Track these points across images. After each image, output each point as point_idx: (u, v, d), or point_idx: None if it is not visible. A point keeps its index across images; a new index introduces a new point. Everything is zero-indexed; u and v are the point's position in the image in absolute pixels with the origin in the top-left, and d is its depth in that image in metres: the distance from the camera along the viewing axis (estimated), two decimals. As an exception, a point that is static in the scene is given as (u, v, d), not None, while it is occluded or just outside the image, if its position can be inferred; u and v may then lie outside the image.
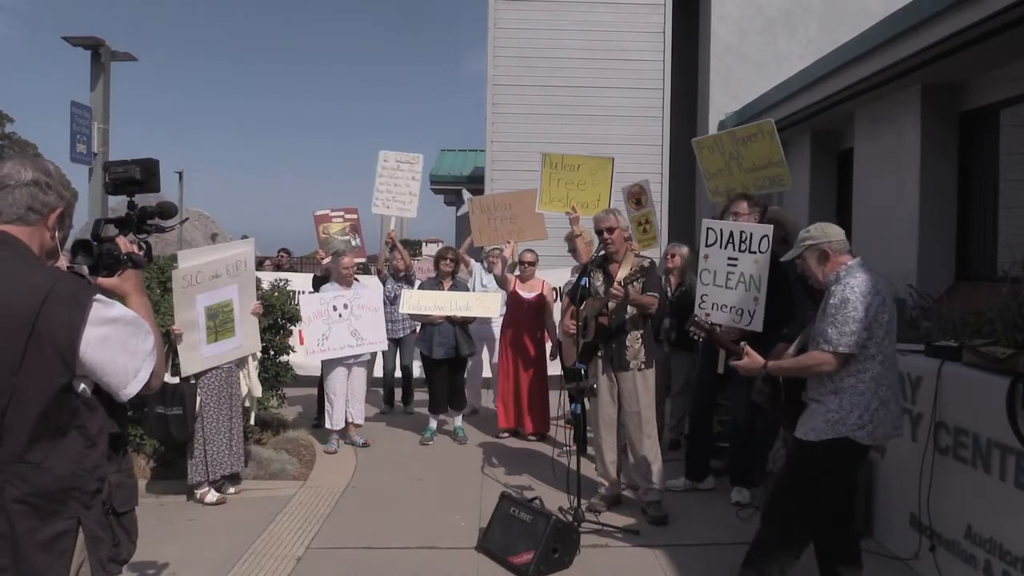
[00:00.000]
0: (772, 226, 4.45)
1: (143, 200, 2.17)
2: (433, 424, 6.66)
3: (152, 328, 1.87)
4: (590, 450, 5.09)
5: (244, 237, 6.62)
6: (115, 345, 1.74)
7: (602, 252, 4.70)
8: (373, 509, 4.85)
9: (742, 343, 3.59)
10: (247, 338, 5.08)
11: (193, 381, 4.82)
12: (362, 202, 8.32)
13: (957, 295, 5.98)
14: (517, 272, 6.68)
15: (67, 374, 1.67)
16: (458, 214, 9.17)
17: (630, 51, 10.33)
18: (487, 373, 7.55)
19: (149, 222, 2.13)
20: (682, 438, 6.14)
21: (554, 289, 6.87)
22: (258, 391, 5.36)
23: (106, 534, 1.80)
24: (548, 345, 6.70)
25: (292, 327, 6.21)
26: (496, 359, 6.98)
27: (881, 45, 6.14)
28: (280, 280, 6.52)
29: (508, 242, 6.52)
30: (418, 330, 6.86)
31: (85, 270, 1.92)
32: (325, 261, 7.09)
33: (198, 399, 4.79)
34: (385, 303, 6.72)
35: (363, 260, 8.68)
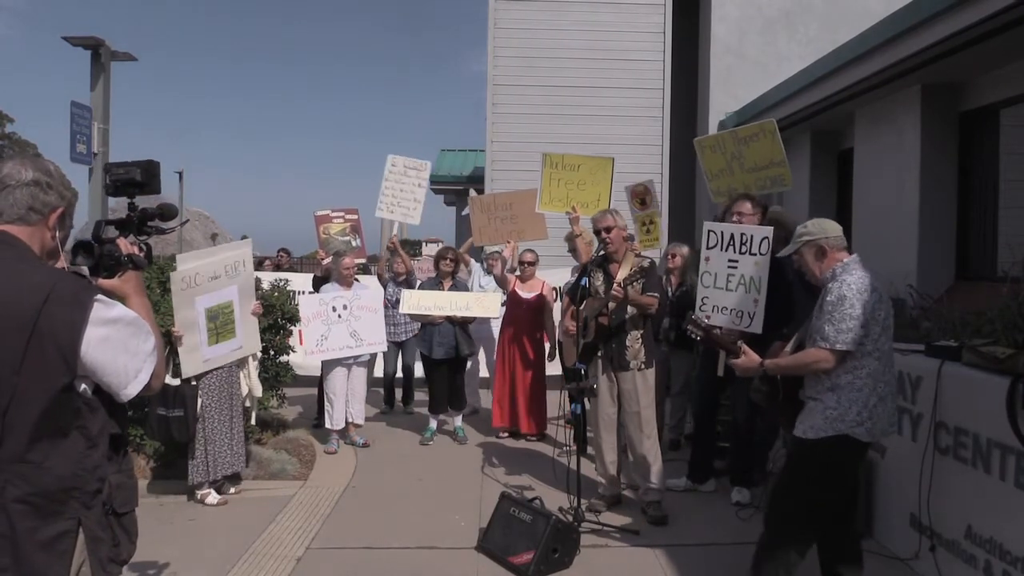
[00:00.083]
0: (772, 228, 4.45)
1: (143, 202, 2.17)
2: (433, 424, 6.66)
3: (153, 329, 1.87)
4: (590, 450, 5.09)
5: (244, 237, 6.61)
6: (116, 345, 1.74)
7: (602, 252, 4.70)
8: (373, 509, 4.85)
9: (739, 342, 3.59)
10: (247, 339, 5.08)
11: (194, 382, 4.82)
12: (362, 202, 8.34)
13: (957, 295, 5.98)
14: (517, 272, 6.67)
15: (68, 374, 1.67)
16: (463, 213, 9.16)
17: (630, 51, 10.33)
18: (484, 373, 7.55)
19: (150, 224, 2.13)
20: (682, 438, 6.14)
21: (554, 289, 6.87)
22: (258, 391, 5.36)
23: (106, 534, 1.80)
24: (547, 345, 6.69)
25: (292, 327, 6.21)
26: (494, 359, 6.98)
27: (881, 45, 6.14)
28: (280, 280, 6.52)
29: (508, 242, 6.52)
30: (418, 330, 6.86)
31: (85, 271, 1.92)
32: (325, 261, 7.09)
33: (199, 401, 4.79)
34: (387, 306, 6.72)
35: (363, 261, 8.69)
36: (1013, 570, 3.07)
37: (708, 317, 4.59)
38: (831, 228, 3.28)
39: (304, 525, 4.53)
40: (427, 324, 6.55)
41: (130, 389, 1.78)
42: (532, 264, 6.63)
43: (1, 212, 1.78)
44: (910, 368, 3.84)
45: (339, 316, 6.18)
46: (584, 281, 4.56)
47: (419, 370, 7.35)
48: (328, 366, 6.27)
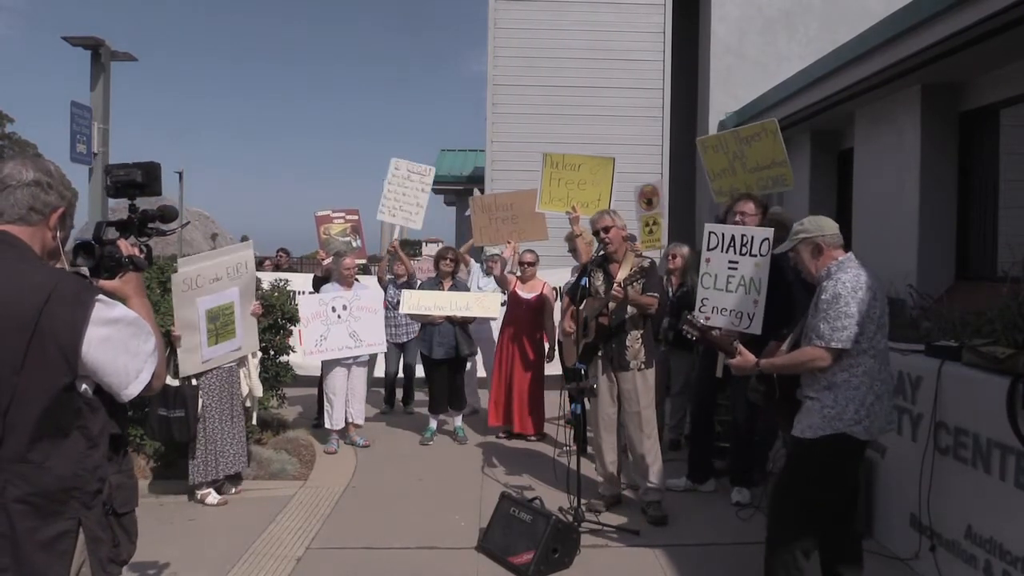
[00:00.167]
0: (773, 229, 4.45)
1: (144, 203, 2.18)
2: (433, 424, 6.66)
3: (153, 330, 1.87)
4: (590, 450, 5.09)
5: (244, 238, 6.62)
6: (117, 346, 1.74)
7: (601, 252, 4.70)
8: (373, 509, 4.85)
9: (735, 342, 3.60)
10: (246, 339, 5.08)
11: (195, 382, 4.82)
12: (362, 202, 8.35)
13: (957, 295, 5.98)
14: (518, 273, 6.67)
15: (69, 374, 1.67)
16: (466, 214, 9.15)
17: (630, 51, 10.33)
18: (481, 373, 7.55)
19: (150, 225, 2.14)
20: (682, 438, 6.14)
21: (554, 289, 6.87)
22: (259, 391, 5.36)
23: (106, 535, 1.80)
24: (547, 346, 6.69)
25: (292, 327, 6.21)
26: (492, 360, 6.98)
27: (881, 45, 6.14)
28: (280, 280, 6.52)
29: (509, 242, 6.51)
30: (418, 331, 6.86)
31: (86, 272, 1.92)
32: (326, 262, 7.10)
33: (200, 401, 4.79)
34: (387, 308, 6.71)
35: (363, 261, 8.68)
36: (1013, 570, 3.07)
37: (708, 318, 4.59)
38: (828, 226, 3.28)
39: (304, 525, 4.53)
40: (427, 324, 6.55)
41: (131, 389, 1.78)
42: (532, 264, 6.63)
43: (2, 212, 1.78)
44: (910, 368, 3.84)
45: (338, 316, 6.18)
46: (584, 281, 4.56)
47: (419, 370, 7.36)
48: (328, 366, 6.27)
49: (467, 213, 9.12)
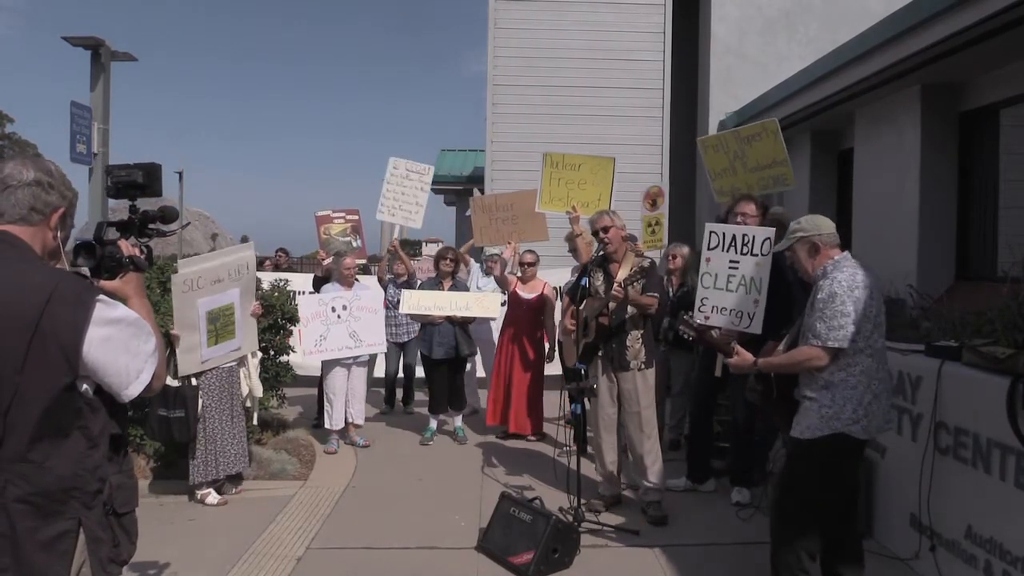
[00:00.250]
0: (774, 229, 4.45)
1: (144, 204, 2.18)
2: (433, 424, 6.67)
3: (154, 330, 1.87)
4: (590, 450, 5.09)
5: (244, 238, 6.64)
6: (117, 346, 1.75)
7: (601, 252, 4.70)
8: (373, 509, 4.85)
9: (732, 343, 3.60)
10: (246, 339, 5.08)
11: (195, 383, 4.82)
12: (362, 203, 8.34)
13: (957, 295, 5.98)
14: (518, 273, 6.68)
15: (70, 374, 1.67)
16: (466, 214, 9.16)
17: (630, 51, 10.33)
18: (481, 373, 7.55)
19: (151, 226, 2.15)
20: (682, 438, 6.14)
21: (555, 289, 6.87)
22: (259, 391, 5.36)
23: (106, 535, 1.80)
24: (547, 346, 6.69)
25: (292, 327, 6.21)
26: (492, 360, 6.98)
27: (881, 45, 6.14)
28: (280, 280, 6.52)
29: (509, 243, 6.51)
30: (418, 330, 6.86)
31: (86, 272, 1.93)
32: (326, 262, 7.10)
33: (200, 401, 4.79)
34: (387, 307, 6.71)
35: (363, 261, 8.68)
36: (1013, 570, 3.07)
37: (707, 318, 4.59)
38: (824, 225, 3.28)
39: (304, 525, 4.53)
40: (427, 324, 6.55)
41: (131, 390, 1.78)
42: (532, 265, 6.63)
43: (3, 212, 1.78)
44: (910, 368, 3.84)
45: (338, 316, 6.18)
46: (584, 281, 4.56)
47: (419, 370, 7.36)
48: (328, 366, 6.27)
49: (467, 213, 9.12)
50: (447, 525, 4.53)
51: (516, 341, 6.51)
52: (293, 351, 6.32)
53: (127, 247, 2.01)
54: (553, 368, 6.64)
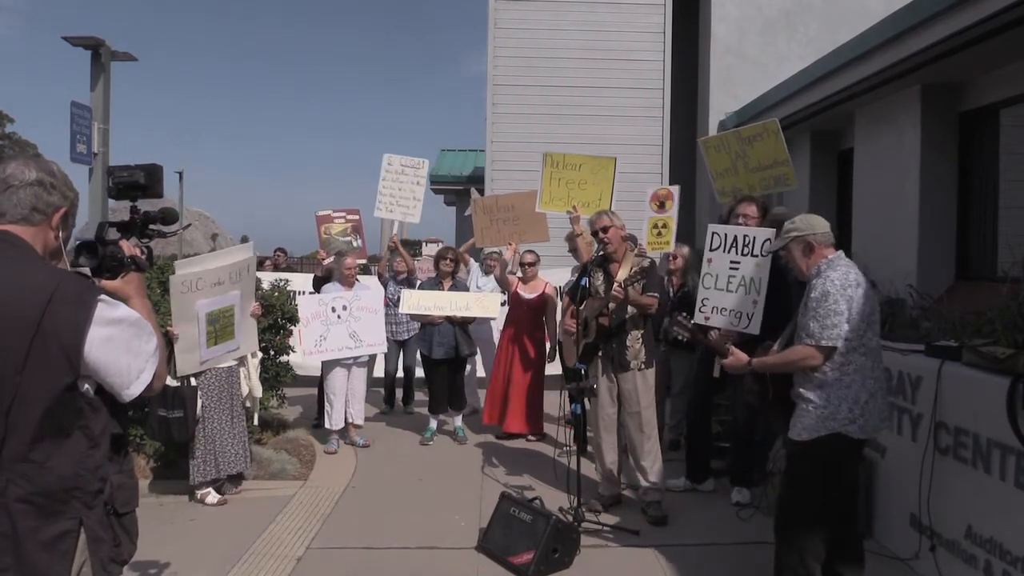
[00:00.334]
0: (774, 230, 4.45)
1: (145, 205, 2.19)
2: (433, 424, 6.67)
3: (155, 330, 1.87)
4: (590, 450, 5.09)
5: (244, 238, 6.64)
6: (119, 346, 1.75)
7: (601, 252, 4.70)
8: (373, 509, 4.85)
9: (728, 343, 3.60)
10: (245, 339, 5.08)
11: (194, 383, 4.82)
12: (362, 202, 8.32)
13: (957, 295, 5.98)
14: (519, 274, 6.68)
15: (72, 373, 1.67)
16: (466, 214, 9.17)
17: (630, 51, 10.33)
18: (481, 373, 7.55)
19: (152, 227, 2.15)
20: (682, 438, 6.14)
21: (556, 288, 6.87)
22: (259, 391, 5.36)
23: (107, 534, 1.80)
24: (548, 345, 6.69)
25: (292, 327, 6.21)
26: (492, 360, 6.98)
27: (881, 45, 6.14)
28: (280, 280, 6.52)
29: (510, 244, 6.51)
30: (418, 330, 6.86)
31: (87, 272, 1.93)
32: (327, 261, 7.10)
33: (199, 402, 4.79)
34: (388, 305, 6.72)
35: (364, 261, 8.69)
36: (1013, 570, 3.07)
37: (707, 318, 4.60)
38: (819, 224, 3.28)
39: (304, 525, 4.53)
40: (427, 324, 6.55)
41: (132, 389, 1.78)
42: (533, 265, 6.63)
43: (4, 212, 1.78)
44: (910, 368, 3.84)
45: (338, 317, 6.18)
46: (584, 281, 4.56)
47: (419, 370, 7.35)
48: (328, 366, 6.27)
49: (467, 212, 9.13)
50: (447, 525, 4.53)
51: (517, 341, 6.51)
52: (293, 351, 6.32)
53: (128, 247, 2.02)
54: (553, 368, 6.64)
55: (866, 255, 6.84)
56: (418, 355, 7.03)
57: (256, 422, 5.56)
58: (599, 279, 4.70)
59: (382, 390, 7.84)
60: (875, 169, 7.29)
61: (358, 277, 6.69)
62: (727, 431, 5.40)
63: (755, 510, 4.58)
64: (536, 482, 5.32)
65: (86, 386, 1.73)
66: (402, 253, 7.22)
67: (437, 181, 15.35)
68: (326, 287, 6.51)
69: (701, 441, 5.20)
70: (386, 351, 6.88)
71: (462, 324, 6.52)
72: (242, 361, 5.16)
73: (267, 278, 6.64)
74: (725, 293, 4.55)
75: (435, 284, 6.65)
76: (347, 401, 6.27)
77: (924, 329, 4.70)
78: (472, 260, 7.67)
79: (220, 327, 4.80)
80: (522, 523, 4.01)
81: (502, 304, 6.82)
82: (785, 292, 4.52)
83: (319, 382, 6.79)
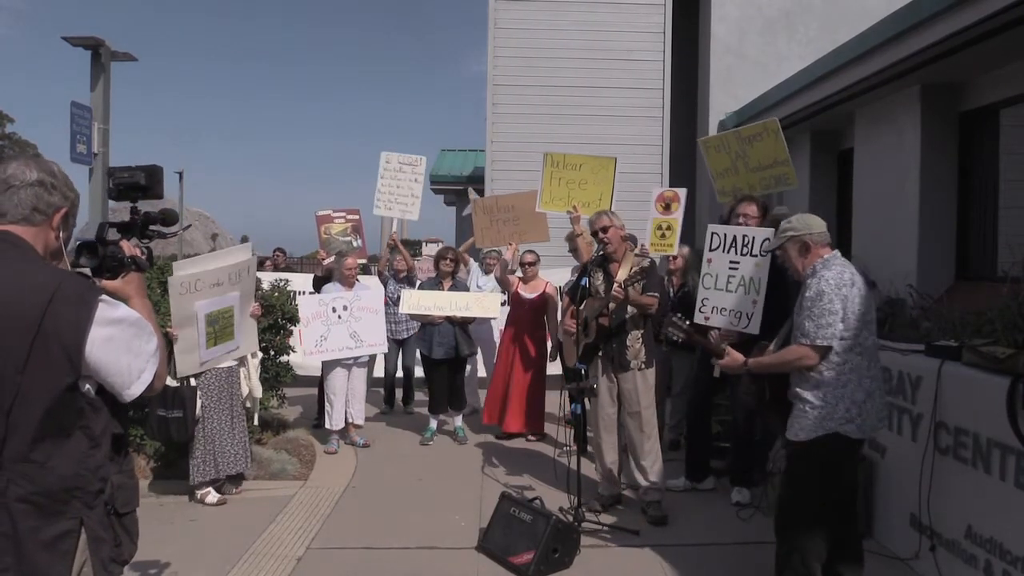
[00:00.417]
0: (773, 230, 4.45)
1: (145, 206, 2.20)
2: (433, 424, 6.67)
3: (155, 330, 1.88)
4: (590, 450, 5.09)
5: (244, 238, 6.64)
6: (120, 346, 1.75)
7: (601, 252, 4.70)
8: (373, 509, 4.85)
9: (725, 344, 3.60)
10: (245, 340, 5.08)
11: (193, 383, 4.82)
12: (362, 202, 8.33)
13: (957, 295, 5.98)
14: (519, 274, 6.68)
15: (73, 373, 1.67)
16: (463, 214, 9.20)
17: (630, 51, 10.33)
18: (482, 373, 7.55)
19: (152, 228, 2.16)
20: (682, 438, 6.14)
21: (556, 288, 6.87)
22: (259, 392, 5.36)
23: (108, 534, 1.81)
24: (550, 345, 6.69)
25: (292, 327, 6.21)
26: (494, 359, 6.98)
27: (881, 45, 6.14)
28: (280, 280, 6.52)
29: (510, 244, 6.51)
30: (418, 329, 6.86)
31: (88, 272, 1.93)
32: (327, 261, 7.10)
33: (199, 402, 4.79)
34: (388, 304, 6.72)
35: (364, 260, 8.69)
36: (1013, 570, 3.07)
37: (707, 318, 4.61)
38: (815, 224, 3.28)
39: (304, 525, 4.53)
40: (427, 324, 6.55)
41: (133, 389, 1.79)
42: (533, 264, 6.64)
43: (5, 212, 1.78)
44: (910, 368, 3.84)
45: (339, 317, 6.18)
46: (584, 281, 4.56)
47: (419, 370, 7.36)
48: (328, 366, 6.27)
49: (465, 213, 9.14)
50: (447, 525, 4.53)
51: (518, 341, 6.52)
52: (293, 351, 6.32)
53: (128, 247, 2.02)
54: (553, 368, 6.65)
55: (866, 255, 6.84)
56: (418, 355, 7.03)
57: (256, 422, 5.56)
58: (599, 279, 4.70)
59: (382, 390, 7.84)
60: (875, 169, 7.28)
61: (358, 277, 6.70)
62: (727, 431, 5.39)
63: (755, 510, 4.58)
64: (536, 482, 5.32)
65: (87, 386, 1.73)
66: (402, 251, 7.22)
67: (437, 181, 15.35)
68: (326, 287, 6.51)
69: (701, 441, 5.21)
70: (387, 351, 6.89)
71: (462, 324, 6.52)
72: (242, 361, 5.16)
73: (267, 278, 6.65)
74: (725, 293, 4.56)
75: (435, 284, 6.65)
76: (347, 401, 6.27)
77: (924, 329, 4.70)
78: (472, 260, 7.67)
79: (219, 328, 4.79)
80: (522, 523, 4.01)
81: (503, 304, 6.82)
82: (784, 291, 4.52)
83: (319, 382, 6.79)
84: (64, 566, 1.70)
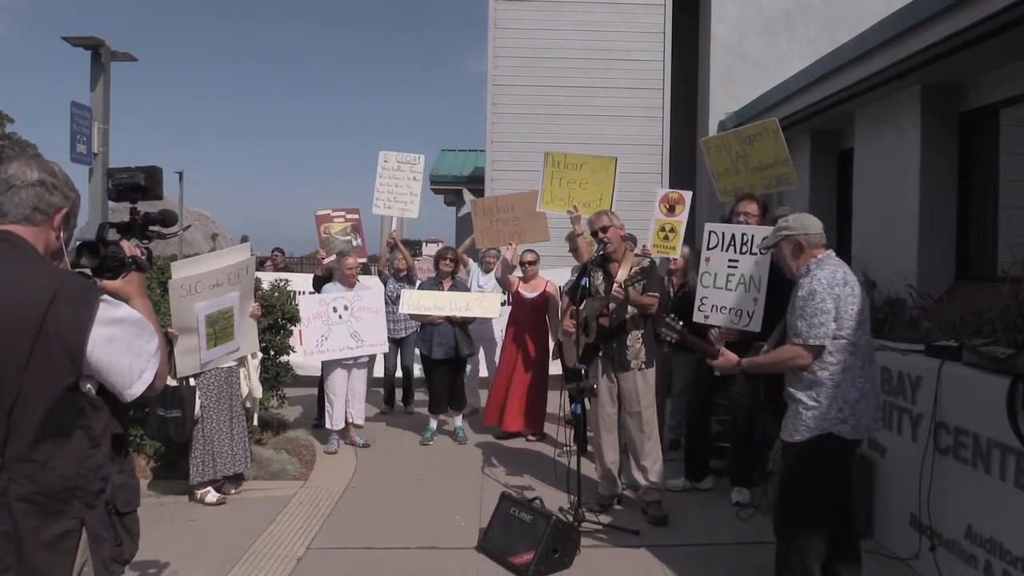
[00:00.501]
0: (773, 228, 4.45)
1: (145, 206, 2.20)
2: (433, 424, 6.67)
3: (156, 329, 1.88)
4: (590, 450, 5.09)
5: (244, 238, 6.64)
6: (121, 345, 1.75)
7: (601, 252, 4.71)
8: (373, 509, 4.85)
9: (718, 345, 3.59)
10: (245, 340, 5.08)
11: (193, 383, 4.82)
12: (362, 202, 8.32)
13: (957, 295, 5.98)
14: (519, 274, 6.68)
15: (74, 373, 1.68)
16: (459, 215, 9.19)
17: (630, 51, 10.34)
18: (484, 373, 7.55)
19: (151, 228, 2.16)
20: (682, 438, 6.14)
21: (557, 288, 6.87)
22: (258, 392, 5.36)
23: (109, 534, 1.81)
24: (552, 344, 6.69)
25: (292, 327, 6.21)
26: (496, 359, 6.98)
27: (881, 45, 6.14)
28: (280, 280, 6.52)
29: (510, 244, 6.52)
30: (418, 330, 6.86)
31: (88, 272, 1.93)
32: (326, 261, 7.10)
33: (198, 402, 4.79)
34: (387, 303, 6.72)
35: (364, 260, 8.69)
36: (1013, 570, 3.07)
37: (707, 317, 4.60)
38: (812, 225, 3.27)
39: (304, 525, 4.53)
40: (427, 324, 6.55)
41: (134, 389, 1.79)
42: (533, 264, 6.65)
43: (6, 212, 1.78)
44: (910, 368, 3.84)
45: (340, 317, 6.18)
46: (584, 281, 4.56)
47: (419, 370, 7.36)
48: (328, 366, 6.27)
49: (461, 213, 9.12)
50: (447, 525, 4.53)
51: (519, 341, 6.52)
52: (293, 351, 6.32)
53: (129, 247, 2.02)
54: (554, 368, 6.65)
55: (866, 255, 6.85)
56: (417, 354, 7.03)
57: (256, 422, 5.56)
58: (599, 279, 4.70)
59: (382, 390, 7.84)
60: (875, 169, 7.29)
61: (358, 277, 6.70)
62: (727, 431, 5.39)
63: (755, 510, 4.59)
64: (536, 482, 5.32)
65: (88, 386, 1.73)
66: (402, 250, 7.22)
67: (437, 181, 15.35)
68: (327, 287, 6.51)
69: (701, 440, 5.21)
70: (387, 351, 6.89)
71: (462, 324, 6.52)
72: (242, 362, 5.17)
73: (267, 278, 6.65)
74: (724, 291, 4.56)
75: (435, 284, 6.65)
76: (347, 401, 6.27)
77: (924, 329, 4.71)
78: (471, 261, 7.67)
79: (220, 329, 4.80)
80: (522, 523, 4.01)
81: (504, 304, 6.82)
82: (784, 290, 4.51)
83: (319, 382, 6.79)
84: (65, 566, 1.70)
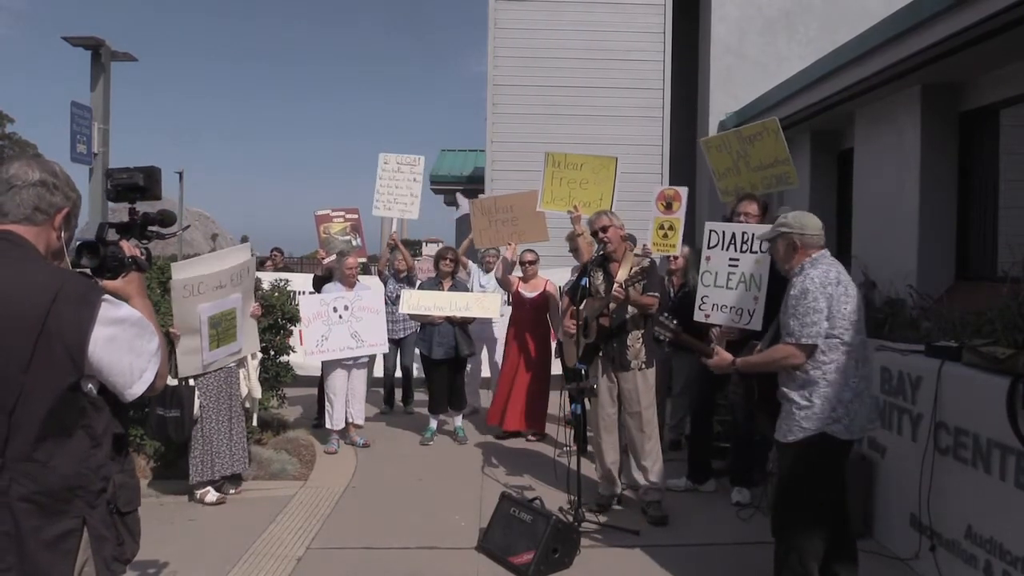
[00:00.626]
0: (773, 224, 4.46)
1: (144, 207, 2.20)
2: (433, 424, 6.67)
3: (156, 329, 1.88)
4: (590, 450, 5.09)
5: (244, 238, 6.64)
6: (122, 345, 1.75)
7: (601, 252, 4.71)
8: (373, 509, 4.85)
9: (713, 344, 3.59)
10: (247, 340, 5.08)
11: (192, 383, 4.82)
12: (362, 202, 8.33)
13: (957, 295, 5.98)
14: (519, 273, 6.68)
15: (75, 373, 1.68)
16: (456, 216, 9.22)
17: (630, 51, 10.34)
18: (486, 373, 7.56)
19: (151, 228, 2.16)
20: (682, 438, 6.14)
21: (557, 287, 6.87)
22: (258, 392, 5.36)
23: (110, 533, 1.81)
24: (554, 343, 6.70)
25: (292, 327, 6.21)
26: (496, 358, 6.98)
27: (881, 45, 6.14)
28: (280, 280, 6.52)
29: (509, 244, 6.52)
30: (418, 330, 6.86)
31: (89, 272, 1.93)
32: (326, 261, 7.10)
33: (197, 402, 4.79)
34: (387, 303, 6.72)
35: (363, 260, 8.70)
36: (1013, 570, 3.07)
37: (708, 316, 4.60)
38: (811, 225, 3.26)
39: (304, 525, 4.54)
40: (427, 324, 6.55)
41: (135, 389, 1.79)
42: (533, 263, 6.65)
43: (7, 212, 1.79)
44: (910, 368, 3.84)
45: (340, 317, 6.18)
46: (584, 281, 4.56)
47: (418, 370, 7.36)
48: (328, 366, 6.27)
49: (458, 215, 9.14)
50: (447, 525, 4.53)
51: (520, 341, 6.53)
52: (293, 351, 6.32)
53: (129, 247, 2.03)
54: (554, 368, 6.65)
55: (866, 255, 6.85)
56: (416, 354, 7.03)
57: (256, 422, 5.56)
58: (599, 279, 4.70)
59: (382, 390, 7.85)
60: (875, 169, 7.29)
61: (359, 277, 6.70)
62: (727, 431, 5.39)
63: (755, 510, 4.59)
64: (536, 482, 5.33)
65: (89, 386, 1.73)
66: (402, 251, 7.22)
67: (437, 181, 15.34)
68: (327, 287, 6.52)
69: (704, 440, 5.21)
70: (387, 351, 6.89)
71: (462, 324, 6.52)
72: (242, 362, 5.17)
73: (267, 278, 6.65)
74: (725, 290, 4.56)
75: (435, 284, 6.65)
76: (347, 401, 6.27)
77: (924, 329, 4.70)
78: (470, 262, 7.67)
79: (222, 330, 4.80)
80: (522, 523, 4.01)
81: (505, 303, 6.82)
82: (785, 289, 4.52)
83: (319, 382, 6.79)
84: (66, 565, 1.70)
